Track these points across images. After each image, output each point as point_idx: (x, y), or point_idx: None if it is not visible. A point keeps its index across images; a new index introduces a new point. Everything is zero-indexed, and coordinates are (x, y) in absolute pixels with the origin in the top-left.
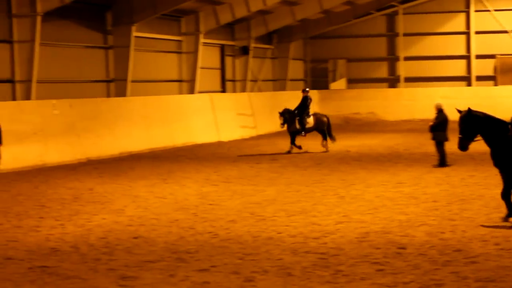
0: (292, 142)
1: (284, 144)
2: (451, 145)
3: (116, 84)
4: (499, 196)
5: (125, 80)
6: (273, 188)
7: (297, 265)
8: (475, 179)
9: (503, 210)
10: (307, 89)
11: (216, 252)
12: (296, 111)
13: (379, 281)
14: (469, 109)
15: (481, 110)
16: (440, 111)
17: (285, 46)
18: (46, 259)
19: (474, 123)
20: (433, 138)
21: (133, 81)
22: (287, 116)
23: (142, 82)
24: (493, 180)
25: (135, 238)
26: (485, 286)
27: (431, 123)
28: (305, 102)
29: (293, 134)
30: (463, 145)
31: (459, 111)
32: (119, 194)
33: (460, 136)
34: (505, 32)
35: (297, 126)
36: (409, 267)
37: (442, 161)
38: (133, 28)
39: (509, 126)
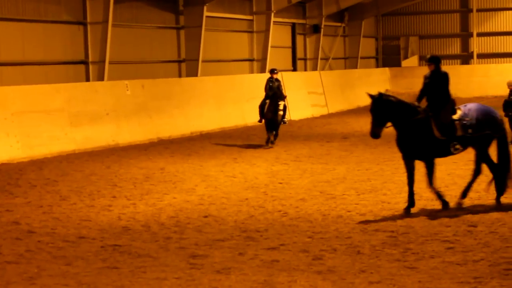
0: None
1: (355, 122)
2: None
3: (187, 64)
4: None
5: (196, 60)
6: (343, 167)
7: (366, 243)
8: None
9: None
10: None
11: (285, 231)
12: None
13: (448, 259)
14: (380, 94)
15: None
16: None
17: (356, 23)
18: (118, 238)
19: (386, 109)
20: (506, 115)
21: (204, 61)
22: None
23: (213, 62)
24: None
25: (205, 217)
26: None
27: (506, 100)
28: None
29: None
30: (375, 132)
31: (371, 96)
32: (190, 173)
33: (371, 122)
34: None
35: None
36: (480, 245)
37: None
38: (205, 8)
39: (418, 109)
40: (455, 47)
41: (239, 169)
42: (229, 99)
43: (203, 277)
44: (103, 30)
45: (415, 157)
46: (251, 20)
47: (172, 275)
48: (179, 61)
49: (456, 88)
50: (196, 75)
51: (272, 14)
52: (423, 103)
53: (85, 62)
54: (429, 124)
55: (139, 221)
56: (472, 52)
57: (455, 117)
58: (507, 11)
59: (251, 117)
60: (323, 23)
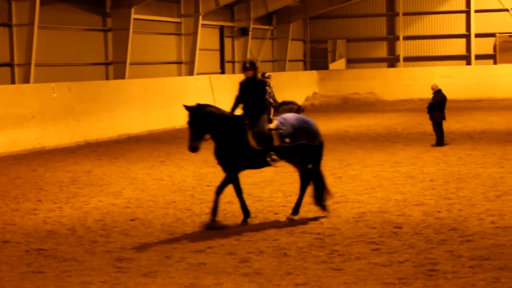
0: None
1: None
2: (450, 124)
3: (115, 66)
4: (496, 175)
5: (124, 62)
6: (270, 169)
7: (293, 245)
8: (472, 158)
9: (500, 188)
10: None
11: (212, 233)
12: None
13: (374, 261)
14: (198, 105)
15: (213, 104)
16: (437, 91)
17: (284, 26)
18: (43, 242)
19: (204, 120)
20: (431, 118)
21: (132, 64)
22: None
23: (141, 64)
24: (490, 159)
25: (132, 220)
26: (479, 265)
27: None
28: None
29: None
30: (193, 147)
31: (187, 107)
32: (117, 176)
33: (189, 135)
34: (506, 10)
35: None
36: (405, 246)
37: (440, 141)
38: (132, 10)
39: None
40: (381, 50)
41: (167, 172)
42: (157, 102)
43: (129, 281)
44: (29, 32)
45: (238, 168)
46: (179, 23)
47: (98, 278)
48: (107, 64)
49: (383, 91)
50: (123, 77)
51: (200, 17)
52: (239, 112)
53: (10, 65)
54: (245, 134)
55: (64, 224)
56: (399, 56)
57: (271, 126)
58: (433, 15)
59: (179, 119)
60: (251, 26)
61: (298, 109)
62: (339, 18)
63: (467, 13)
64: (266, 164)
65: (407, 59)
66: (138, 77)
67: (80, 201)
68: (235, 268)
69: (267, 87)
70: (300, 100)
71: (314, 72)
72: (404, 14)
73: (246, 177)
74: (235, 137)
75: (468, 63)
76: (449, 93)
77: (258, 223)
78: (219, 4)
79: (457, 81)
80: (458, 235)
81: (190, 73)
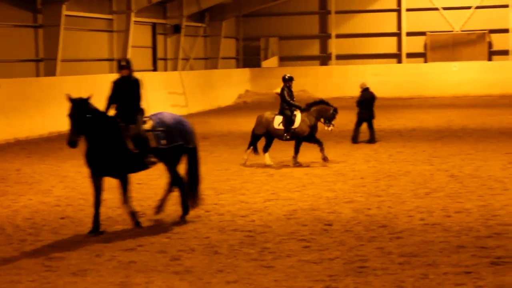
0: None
1: (216, 122)
2: (380, 122)
3: (46, 63)
4: (426, 172)
5: (55, 59)
6: (202, 167)
7: (224, 243)
8: (402, 155)
9: (429, 185)
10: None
11: (143, 232)
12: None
13: (305, 258)
14: (83, 99)
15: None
16: (364, 90)
17: (217, 24)
18: None
19: (88, 116)
20: (358, 116)
21: (63, 61)
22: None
23: (72, 61)
24: (420, 157)
25: (62, 218)
26: (408, 261)
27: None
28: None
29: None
30: (73, 140)
31: (71, 100)
32: (47, 174)
33: (70, 129)
34: (436, 9)
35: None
36: (335, 244)
37: (372, 138)
38: (64, 6)
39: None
40: (314, 48)
41: None
42: None
43: (59, 280)
44: None
45: (105, 173)
46: (111, 20)
47: (26, 278)
48: (37, 61)
49: (315, 89)
50: (54, 74)
51: (132, 14)
52: (112, 112)
53: None
54: (121, 136)
55: None
56: (331, 54)
57: (147, 127)
58: (365, 13)
59: None
60: (184, 23)
61: (335, 110)
62: (271, 16)
63: (398, 11)
64: (144, 167)
65: (339, 57)
66: (70, 74)
67: (9, 199)
68: (166, 266)
69: (285, 91)
70: (232, 98)
71: (247, 70)
72: (336, 12)
73: None
74: (111, 139)
75: (399, 61)
76: (380, 91)
77: (190, 221)
78: (151, 1)
79: (388, 79)
80: (387, 232)
81: None
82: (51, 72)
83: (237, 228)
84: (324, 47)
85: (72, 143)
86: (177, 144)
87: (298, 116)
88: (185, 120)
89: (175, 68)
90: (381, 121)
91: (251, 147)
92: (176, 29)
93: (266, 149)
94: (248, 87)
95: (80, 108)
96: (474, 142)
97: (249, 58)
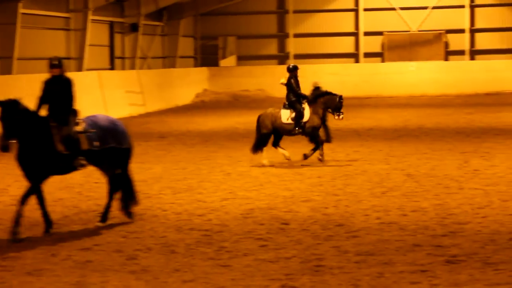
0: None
1: (174, 121)
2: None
3: (2, 62)
4: (382, 171)
5: (11, 57)
6: (159, 166)
7: (181, 242)
8: (359, 154)
9: (386, 184)
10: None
11: (99, 231)
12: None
13: (261, 257)
14: (13, 100)
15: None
16: (315, 89)
17: (175, 23)
18: None
19: (18, 118)
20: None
21: (19, 59)
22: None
23: (29, 59)
24: (377, 156)
25: None
26: (365, 260)
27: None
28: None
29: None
30: (4, 146)
31: (1, 103)
32: (2, 173)
33: (2, 133)
34: (393, 9)
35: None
36: (292, 242)
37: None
38: (20, 4)
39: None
40: (272, 47)
41: None
42: None
43: (14, 279)
44: None
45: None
46: (68, 18)
47: None
48: None
49: (273, 88)
50: (10, 73)
51: (90, 12)
52: (43, 112)
53: None
54: (51, 136)
55: None
56: (289, 53)
57: (79, 129)
58: (322, 13)
59: None
60: (142, 22)
61: (340, 98)
62: (230, 15)
63: (356, 11)
64: (73, 169)
65: (297, 56)
66: (26, 72)
67: None
68: (122, 265)
69: (292, 80)
70: (190, 97)
71: (205, 69)
72: (294, 11)
73: (135, 174)
74: (40, 140)
75: (357, 61)
76: (337, 91)
77: (147, 220)
78: (109, 0)
79: (345, 79)
80: (344, 230)
81: (79, 69)
82: (7, 70)
83: (194, 227)
84: (282, 47)
85: (4, 148)
86: (110, 146)
87: (307, 109)
88: (118, 122)
89: (132, 67)
90: (338, 121)
91: (263, 147)
92: (134, 27)
93: (277, 143)
94: (206, 86)
95: (10, 111)
96: (430, 141)
97: (207, 57)
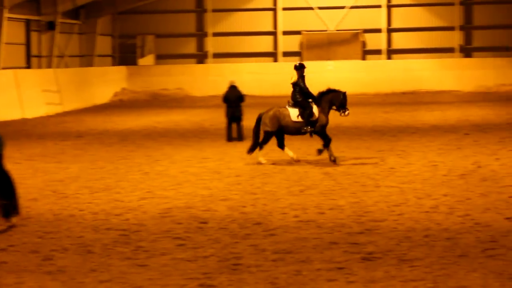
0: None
1: (92, 120)
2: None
3: None
4: (300, 169)
5: None
6: (77, 165)
7: (98, 242)
8: (278, 153)
9: (303, 183)
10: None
11: (14, 231)
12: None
13: (179, 256)
14: None
15: None
16: (231, 87)
17: (92, 21)
18: None
19: None
20: (226, 115)
21: None
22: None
23: None
24: (294, 154)
25: None
26: (282, 258)
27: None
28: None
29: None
30: None
31: None
32: None
33: None
34: (311, 9)
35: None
36: (210, 241)
37: (239, 136)
38: None
39: None
40: (190, 46)
41: None
42: None
43: None
44: None
45: None
46: None
47: None
48: None
49: (192, 87)
50: None
51: (5, 10)
52: None
53: None
54: None
55: None
56: (207, 52)
57: None
58: (241, 12)
59: None
60: (59, 20)
61: (344, 94)
62: (148, 14)
63: (274, 10)
64: None
65: (216, 55)
66: None
67: None
68: (38, 266)
69: (299, 81)
70: (108, 96)
71: (123, 68)
72: (213, 10)
73: (52, 173)
74: None
75: (275, 60)
76: (256, 90)
77: (63, 220)
78: None
79: (264, 78)
80: (262, 229)
81: None
82: None
83: (111, 227)
84: (200, 45)
85: None
86: None
87: (315, 107)
88: None
89: (49, 66)
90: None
91: (263, 145)
92: (51, 26)
93: (282, 144)
94: (124, 85)
95: None
96: (348, 140)
97: (126, 56)
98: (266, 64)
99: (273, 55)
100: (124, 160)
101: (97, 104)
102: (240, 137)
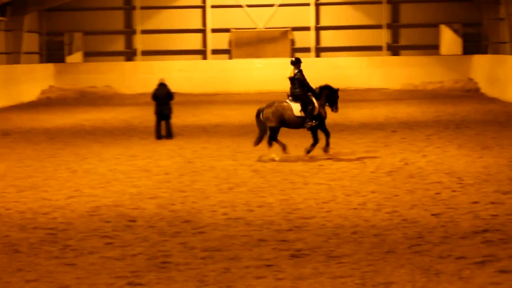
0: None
1: (18, 118)
2: (185, 118)
3: None
4: (229, 167)
5: None
6: (3, 164)
7: (25, 241)
8: (207, 151)
9: (233, 180)
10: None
11: None
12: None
13: (107, 254)
14: None
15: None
16: (160, 85)
17: (19, 18)
18: None
19: None
20: (155, 112)
21: None
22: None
23: None
24: (224, 152)
25: None
26: (211, 256)
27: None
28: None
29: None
30: None
31: None
32: None
33: None
34: (240, 6)
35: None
36: (138, 240)
37: (169, 133)
38: None
39: None
40: (119, 43)
41: None
42: None
43: None
44: None
45: None
46: None
47: None
48: None
49: (121, 85)
50: None
51: None
52: None
53: None
54: None
55: None
56: (136, 49)
57: None
58: (170, 9)
59: None
60: None
61: (337, 91)
62: (76, 11)
63: (203, 8)
64: None
65: (145, 53)
66: None
67: None
68: None
69: (300, 74)
70: (35, 94)
71: (51, 65)
72: (142, 8)
73: None
74: None
75: (205, 57)
76: (186, 87)
77: None
78: None
79: (193, 75)
80: (191, 227)
81: None
82: None
83: (38, 225)
84: (129, 43)
85: None
86: None
87: (314, 100)
88: None
89: None
90: (186, 117)
91: (271, 142)
92: None
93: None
94: (52, 82)
95: None
96: (278, 137)
97: (53, 53)
98: (195, 62)
99: (202, 53)
100: (51, 158)
101: (24, 102)
102: (169, 135)
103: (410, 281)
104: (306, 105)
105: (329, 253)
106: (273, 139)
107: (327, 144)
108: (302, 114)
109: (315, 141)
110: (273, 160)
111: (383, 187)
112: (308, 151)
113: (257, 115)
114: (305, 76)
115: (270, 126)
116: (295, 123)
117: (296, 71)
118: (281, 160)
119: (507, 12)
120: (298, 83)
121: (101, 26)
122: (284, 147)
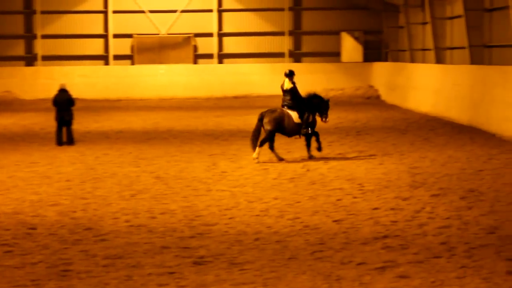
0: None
1: None
2: (88, 124)
3: None
4: (132, 174)
5: None
6: None
7: None
8: (109, 157)
9: (135, 187)
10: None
11: None
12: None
13: (6, 263)
14: None
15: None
16: (60, 91)
17: None
18: None
19: None
20: (56, 118)
21: None
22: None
23: None
24: (127, 158)
25: None
26: (113, 263)
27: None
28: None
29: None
30: None
31: None
32: None
33: None
34: (142, 12)
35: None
36: (39, 247)
37: (70, 140)
38: None
39: None
40: (19, 48)
41: None
42: None
43: None
44: None
45: None
46: None
47: None
48: None
49: (22, 90)
50: None
51: None
52: None
53: None
54: None
55: None
56: (37, 54)
57: None
58: (71, 14)
59: None
60: None
61: (328, 101)
62: None
63: (105, 13)
64: None
65: (46, 58)
66: None
67: None
68: None
69: (294, 87)
70: None
71: None
72: (42, 12)
73: None
74: None
75: (107, 63)
76: (87, 93)
77: None
78: None
79: (95, 81)
80: (92, 234)
81: None
82: None
83: None
84: (29, 48)
85: None
86: None
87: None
88: None
89: None
90: (88, 123)
91: (263, 144)
92: None
93: (267, 145)
94: None
95: None
96: (180, 144)
97: None
98: (97, 67)
99: (104, 58)
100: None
101: None
102: (70, 141)
103: (312, 287)
104: (302, 114)
105: (232, 260)
106: (266, 142)
107: (317, 143)
108: (300, 121)
109: (310, 144)
110: (255, 159)
111: (285, 194)
112: (311, 156)
113: (260, 119)
114: (297, 88)
115: (267, 130)
116: (293, 130)
117: (291, 84)
118: (185, 168)
119: (407, 21)
120: (292, 94)
121: (0, 30)
122: (279, 158)
